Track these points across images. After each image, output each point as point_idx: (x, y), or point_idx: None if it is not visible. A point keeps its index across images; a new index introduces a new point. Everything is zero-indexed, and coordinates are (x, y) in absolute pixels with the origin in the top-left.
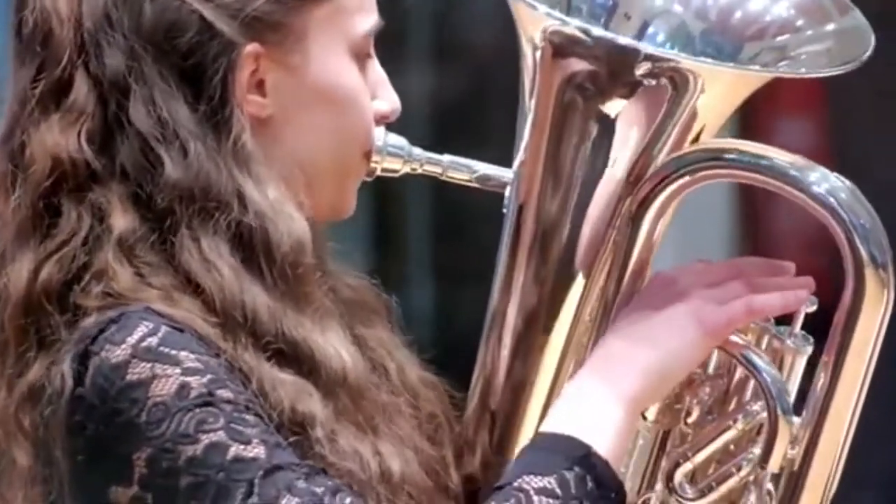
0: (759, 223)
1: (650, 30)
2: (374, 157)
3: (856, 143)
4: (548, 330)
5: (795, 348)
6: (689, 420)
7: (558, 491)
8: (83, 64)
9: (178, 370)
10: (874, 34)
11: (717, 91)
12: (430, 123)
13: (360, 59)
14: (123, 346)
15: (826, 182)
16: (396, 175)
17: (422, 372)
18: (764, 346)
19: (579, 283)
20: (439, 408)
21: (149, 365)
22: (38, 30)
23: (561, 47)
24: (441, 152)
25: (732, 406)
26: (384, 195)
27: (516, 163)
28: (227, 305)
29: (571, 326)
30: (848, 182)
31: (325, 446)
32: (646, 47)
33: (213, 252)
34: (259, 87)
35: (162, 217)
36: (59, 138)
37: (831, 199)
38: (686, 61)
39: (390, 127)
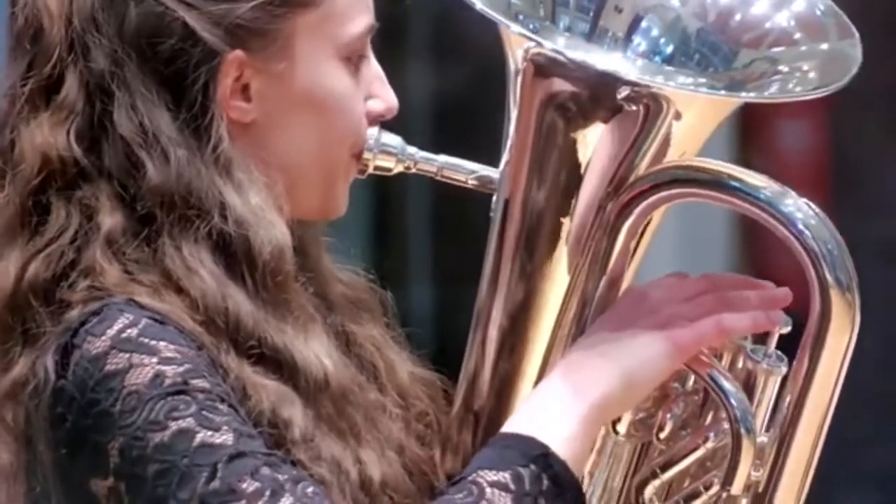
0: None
1: (643, 24)
2: (366, 155)
3: (856, 143)
4: (533, 326)
5: (768, 369)
6: (662, 435)
7: (512, 486)
8: (73, 62)
9: (154, 359)
10: (883, 37)
11: (695, 112)
12: (430, 123)
13: (353, 60)
14: (103, 337)
15: (796, 208)
16: (390, 174)
17: (415, 368)
18: (739, 365)
19: (562, 280)
20: (431, 406)
21: (126, 355)
22: (28, 26)
23: (542, 68)
24: (438, 152)
25: (707, 422)
26: (384, 194)
27: (502, 163)
28: (209, 311)
29: (556, 323)
30: (818, 209)
31: (303, 452)
32: (625, 73)
33: (195, 259)
34: (243, 92)
35: (146, 220)
36: (49, 136)
37: (800, 226)
38: (666, 88)
39: (390, 126)
